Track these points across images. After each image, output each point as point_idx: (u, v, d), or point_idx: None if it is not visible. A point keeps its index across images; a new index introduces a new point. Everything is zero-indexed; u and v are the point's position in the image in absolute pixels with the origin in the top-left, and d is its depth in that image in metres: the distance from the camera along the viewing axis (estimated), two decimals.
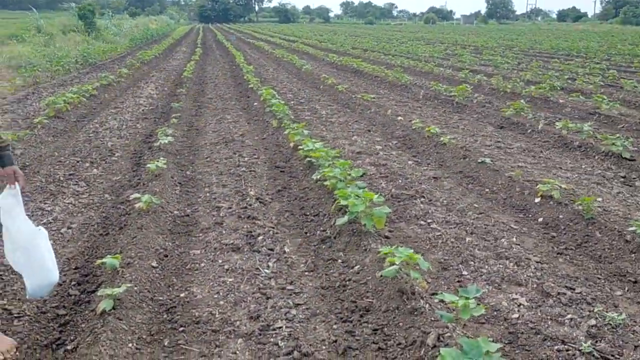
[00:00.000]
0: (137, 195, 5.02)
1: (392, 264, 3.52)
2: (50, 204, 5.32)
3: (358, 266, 3.96)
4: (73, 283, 3.94)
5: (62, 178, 6.19)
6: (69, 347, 3.17)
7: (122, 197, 5.75)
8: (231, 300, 3.64)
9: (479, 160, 6.62)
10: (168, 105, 10.98)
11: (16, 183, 3.14)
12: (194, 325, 3.37)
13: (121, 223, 4.98)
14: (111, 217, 5.21)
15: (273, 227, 4.85)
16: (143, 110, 10.74)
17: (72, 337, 3.28)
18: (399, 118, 8.73)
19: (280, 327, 3.29)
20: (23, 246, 3.04)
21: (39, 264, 3.09)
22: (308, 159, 6.20)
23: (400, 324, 3.24)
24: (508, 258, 4.32)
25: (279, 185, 6.04)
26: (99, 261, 3.82)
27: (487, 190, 5.96)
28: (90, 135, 8.37)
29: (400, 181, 5.86)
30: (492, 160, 6.66)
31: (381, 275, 3.70)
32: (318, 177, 5.45)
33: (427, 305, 3.26)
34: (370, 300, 3.53)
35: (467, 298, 3.01)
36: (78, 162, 6.90)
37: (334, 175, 5.03)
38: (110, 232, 4.84)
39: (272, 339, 3.19)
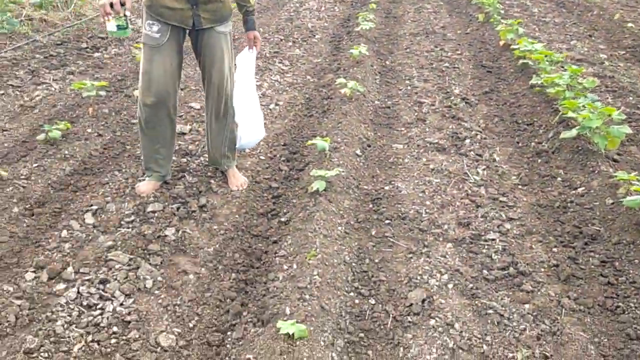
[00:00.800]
0: (342, 80, 4.94)
1: (634, 193, 3.06)
2: (259, 79, 5.48)
3: (582, 188, 3.54)
4: (282, 159, 4.06)
5: (268, 55, 6.33)
6: (282, 219, 3.29)
7: (323, 80, 5.74)
8: (438, 202, 3.49)
9: None
10: None
11: (254, 47, 3.46)
12: (399, 221, 3.30)
13: (324, 107, 4.98)
14: (314, 99, 5.23)
15: (480, 131, 4.51)
16: None
17: (284, 211, 3.40)
18: (629, 25, 7.49)
19: (493, 240, 3.09)
20: (246, 102, 3.42)
21: (254, 120, 3.49)
22: (522, 60, 5.59)
23: (636, 261, 2.85)
24: None
25: (486, 87, 5.58)
26: (310, 142, 3.85)
27: None
28: (292, 14, 8.40)
29: (630, 98, 5.07)
30: None
31: (613, 203, 3.27)
32: (538, 82, 4.89)
33: None
34: (598, 228, 3.15)
35: None
36: (281, 40, 6.99)
37: (559, 83, 4.45)
38: (314, 114, 4.88)
39: (484, 250, 3.01)
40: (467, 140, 4.31)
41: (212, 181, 3.62)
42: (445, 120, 4.73)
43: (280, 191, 3.65)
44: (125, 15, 2.84)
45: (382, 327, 2.49)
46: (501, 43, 6.56)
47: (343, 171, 3.64)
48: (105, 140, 4.01)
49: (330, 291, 2.60)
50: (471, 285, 2.73)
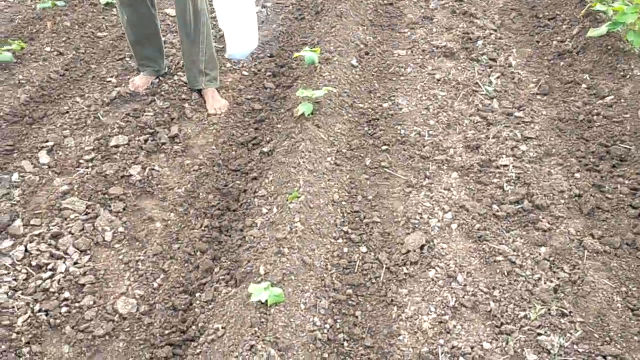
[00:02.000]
0: None
1: None
2: None
3: (611, 97, 3.05)
4: (268, 74, 3.58)
5: None
6: (265, 149, 2.89)
7: None
8: (443, 121, 3.04)
9: None
10: None
11: None
12: (399, 146, 2.88)
13: (317, 6, 4.39)
14: None
15: (495, 30, 3.93)
16: None
17: (267, 139, 2.99)
18: None
19: (505, 166, 2.67)
20: (235, 4, 2.88)
21: (246, 27, 2.96)
22: None
23: None
24: None
25: None
26: (296, 54, 3.34)
27: None
28: None
29: None
30: None
31: None
32: None
33: None
34: (628, 146, 2.71)
35: None
36: None
37: None
38: (305, 16, 4.30)
39: (495, 180, 2.60)
40: (480, 42, 3.75)
41: (186, 105, 3.20)
42: (455, 18, 4.13)
43: (264, 114, 3.21)
44: None
45: (373, 281, 2.16)
46: None
47: (335, 88, 3.17)
48: (67, 60, 3.54)
49: (315, 239, 2.25)
50: (478, 225, 2.36)
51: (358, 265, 2.22)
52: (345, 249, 2.29)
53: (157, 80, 3.34)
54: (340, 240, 2.32)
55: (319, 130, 2.87)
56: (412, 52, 3.75)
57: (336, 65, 3.44)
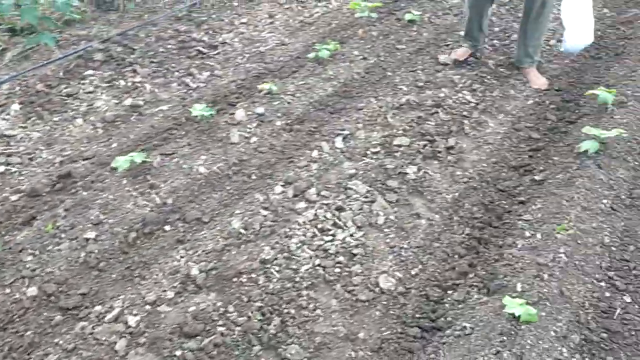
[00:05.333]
0: None
1: None
2: None
3: None
4: (552, 107, 3.57)
5: None
6: (536, 177, 2.93)
7: (623, 15, 4.80)
8: None
9: None
10: None
11: None
12: None
13: (617, 48, 4.19)
14: (607, 37, 4.42)
15: None
16: None
17: (541, 168, 3.01)
18: None
19: None
20: (577, 4, 3.41)
21: (586, 23, 3.44)
22: None
23: None
24: None
25: None
26: (589, 92, 3.28)
27: None
28: None
29: None
30: None
31: None
32: None
33: None
34: None
35: None
36: None
37: None
38: (602, 56, 4.14)
39: None
40: None
41: (466, 122, 3.38)
42: None
43: (540, 144, 3.23)
44: None
45: (633, 333, 2.07)
46: None
47: (625, 132, 3.04)
48: (369, 64, 4.01)
49: (576, 275, 2.24)
50: None
51: (618, 313, 2.15)
52: (607, 294, 2.23)
53: (472, 56, 3.99)
54: (602, 284, 2.27)
55: (600, 171, 2.80)
56: None
57: (630, 109, 3.28)
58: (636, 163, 2.96)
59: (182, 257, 2.46)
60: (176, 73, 3.91)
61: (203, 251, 2.47)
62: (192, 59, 4.10)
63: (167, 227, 2.64)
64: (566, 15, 3.50)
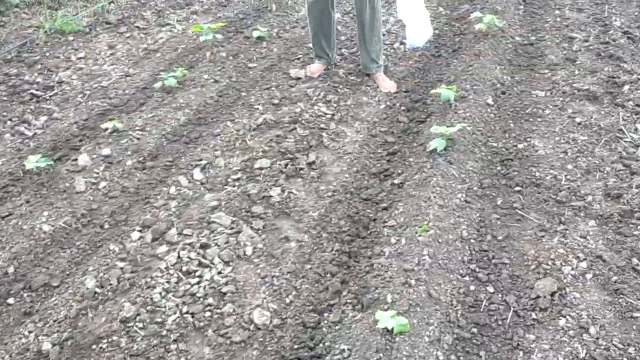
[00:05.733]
0: (478, 14, 4.35)
1: None
2: (384, 14, 5.02)
3: None
4: (403, 108, 3.69)
5: None
6: (395, 181, 2.99)
7: (456, 12, 5.12)
8: (582, 166, 2.95)
9: None
10: None
11: None
12: (533, 188, 2.84)
13: (455, 45, 4.45)
14: (444, 35, 4.69)
15: None
16: None
17: (399, 171, 3.08)
18: None
19: None
20: (410, 3, 3.70)
21: (422, 18, 3.77)
22: None
23: None
24: None
25: None
26: (433, 91, 3.43)
27: None
28: None
29: None
30: None
31: None
32: None
33: None
34: None
35: None
36: None
37: None
38: (442, 53, 4.37)
39: (636, 232, 2.49)
40: (626, 87, 3.59)
41: (324, 134, 3.39)
42: (600, 61, 3.99)
43: (396, 147, 3.31)
44: None
45: (500, 322, 2.16)
46: None
47: (469, 125, 3.21)
48: (221, 87, 3.90)
49: (442, 274, 2.30)
50: (615, 277, 2.27)
51: (484, 305, 2.23)
52: (472, 287, 2.31)
53: (327, 69, 4.04)
54: (467, 278, 2.35)
55: (451, 167, 2.92)
56: (551, 93, 3.68)
57: (471, 103, 3.47)
58: (482, 153, 3.13)
59: (30, 331, 2.20)
60: (8, 122, 3.54)
61: (55, 321, 2.22)
62: (25, 104, 3.74)
63: (11, 300, 2.35)
64: (403, 15, 3.76)
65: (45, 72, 4.12)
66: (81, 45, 4.52)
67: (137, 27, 4.86)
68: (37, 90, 3.86)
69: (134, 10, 5.16)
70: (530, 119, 3.44)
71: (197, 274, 2.42)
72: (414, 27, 3.81)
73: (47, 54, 4.37)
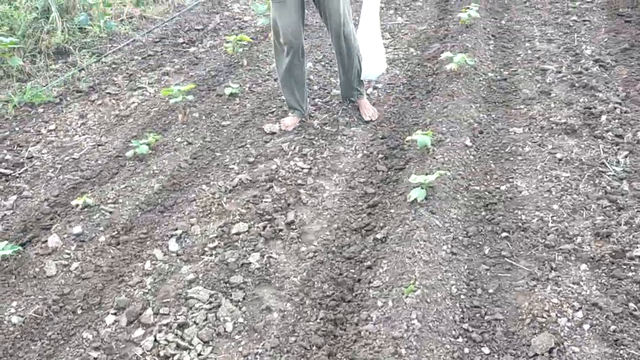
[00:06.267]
0: (449, 54, 4.34)
1: None
2: None
3: None
4: (380, 156, 3.62)
5: None
6: (378, 236, 2.89)
7: (427, 52, 5.13)
8: (568, 205, 2.88)
9: None
10: None
11: None
12: (520, 233, 2.76)
13: (428, 85, 4.43)
14: (417, 76, 4.68)
15: (620, 104, 3.72)
16: None
17: (381, 224, 2.99)
18: None
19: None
20: (369, 37, 3.98)
21: (377, 52, 4.03)
22: None
23: None
24: None
25: (624, 42, 4.64)
26: (408, 137, 3.37)
27: None
28: None
29: None
30: None
31: None
32: None
33: None
34: None
35: None
36: (382, 8, 6.42)
37: None
38: (416, 95, 4.34)
39: (630, 274, 2.40)
40: (604, 117, 3.56)
41: (302, 190, 3.30)
42: (574, 92, 3.97)
43: (376, 198, 3.23)
44: None
45: None
46: None
47: (449, 170, 3.14)
48: (195, 149, 3.83)
49: (433, 339, 2.18)
50: (614, 326, 2.16)
51: None
52: (466, 350, 2.19)
53: (301, 122, 4.01)
54: (460, 340, 2.23)
55: (434, 217, 2.83)
56: (529, 129, 3.64)
57: (449, 146, 3.42)
58: (465, 199, 3.05)
59: None
60: None
61: None
62: None
63: None
64: (362, 47, 3.97)
65: (15, 148, 4.02)
66: (52, 116, 4.44)
67: (109, 93, 4.80)
68: (5, 168, 3.75)
69: (105, 76, 5.11)
70: (511, 158, 3.38)
71: (176, 358, 2.28)
72: (368, 60, 4.00)
73: (17, 128, 4.29)
